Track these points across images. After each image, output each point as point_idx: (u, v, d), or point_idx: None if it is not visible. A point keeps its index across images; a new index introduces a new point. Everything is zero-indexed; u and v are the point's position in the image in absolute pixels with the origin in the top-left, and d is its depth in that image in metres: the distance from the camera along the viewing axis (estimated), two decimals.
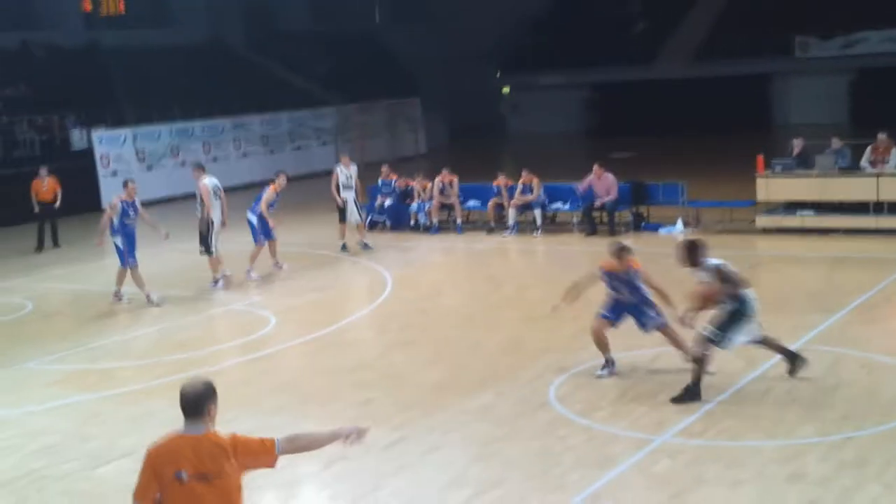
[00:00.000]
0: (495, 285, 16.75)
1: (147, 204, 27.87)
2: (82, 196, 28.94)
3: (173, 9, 43.01)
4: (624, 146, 33.20)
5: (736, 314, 10.08)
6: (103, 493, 8.81)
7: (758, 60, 40.20)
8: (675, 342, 10.97)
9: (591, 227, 20.17)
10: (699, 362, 10.14)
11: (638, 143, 34.75)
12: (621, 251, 11.15)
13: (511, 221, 20.97)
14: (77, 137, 31.08)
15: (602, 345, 11.19)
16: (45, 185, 23.03)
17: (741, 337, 10.16)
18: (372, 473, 8.87)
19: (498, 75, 48.77)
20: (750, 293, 10.21)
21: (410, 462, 9.08)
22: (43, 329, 15.55)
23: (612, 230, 19.94)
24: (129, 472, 9.12)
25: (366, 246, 20.04)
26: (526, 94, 47.78)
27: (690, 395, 10.08)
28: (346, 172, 20.23)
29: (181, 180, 31.94)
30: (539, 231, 20.64)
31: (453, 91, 46.90)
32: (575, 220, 20.90)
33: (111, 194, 29.99)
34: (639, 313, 11.12)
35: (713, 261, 10.29)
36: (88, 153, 30.40)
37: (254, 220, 17.94)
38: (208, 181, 17.28)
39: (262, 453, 5.57)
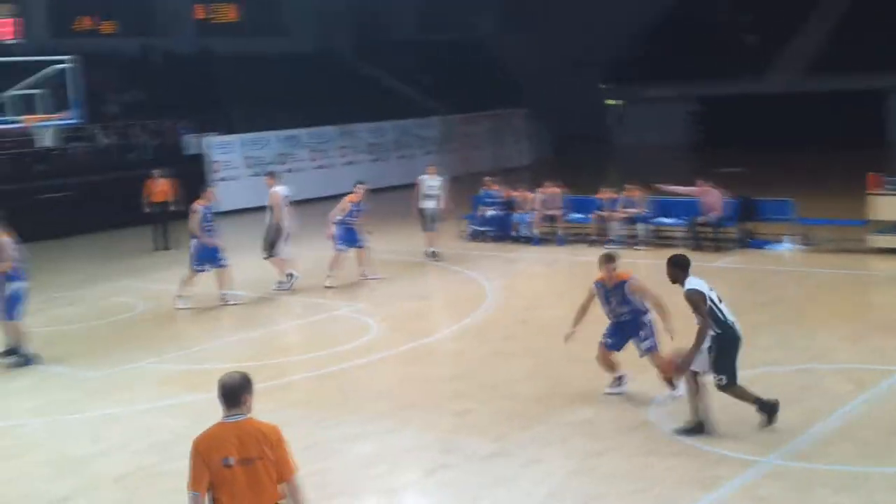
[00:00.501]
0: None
1: (255, 210, 28.63)
2: (193, 201, 29.67)
3: (284, 18, 43.85)
4: (732, 161, 32.67)
5: (721, 345, 9.55)
6: None
7: (872, 75, 39.16)
8: (663, 369, 10.61)
9: (695, 243, 19.91)
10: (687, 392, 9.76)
11: (747, 158, 34.16)
12: (606, 261, 10.96)
13: (614, 234, 20.84)
14: (189, 143, 31.87)
15: (608, 367, 11.11)
16: (158, 187, 23.66)
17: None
18: (471, 484, 8.91)
19: (604, 86, 48.50)
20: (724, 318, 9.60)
21: (509, 474, 9.09)
22: (153, 330, 15.99)
23: (718, 246, 19.69)
24: None
25: (434, 254, 20.45)
26: (632, 106, 47.43)
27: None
28: (429, 182, 20.76)
29: (289, 187, 32.54)
30: (642, 245, 20.47)
31: (559, 102, 46.77)
32: (679, 234, 20.67)
33: (222, 199, 30.92)
34: (635, 337, 10.93)
35: (690, 284, 9.68)
36: (199, 158, 31.14)
37: (333, 228, 18.27)
38: (280, 189, 17.85)
39: (283, 466, 5.91)
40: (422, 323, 15.46)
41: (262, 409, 11.01)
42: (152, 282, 19.62)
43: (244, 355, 13.81)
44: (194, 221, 16.96)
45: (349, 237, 18.26)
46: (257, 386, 12.05)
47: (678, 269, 9.83)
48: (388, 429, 10.47)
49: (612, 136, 48.78)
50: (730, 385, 9.63)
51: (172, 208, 23.60)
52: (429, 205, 20.61)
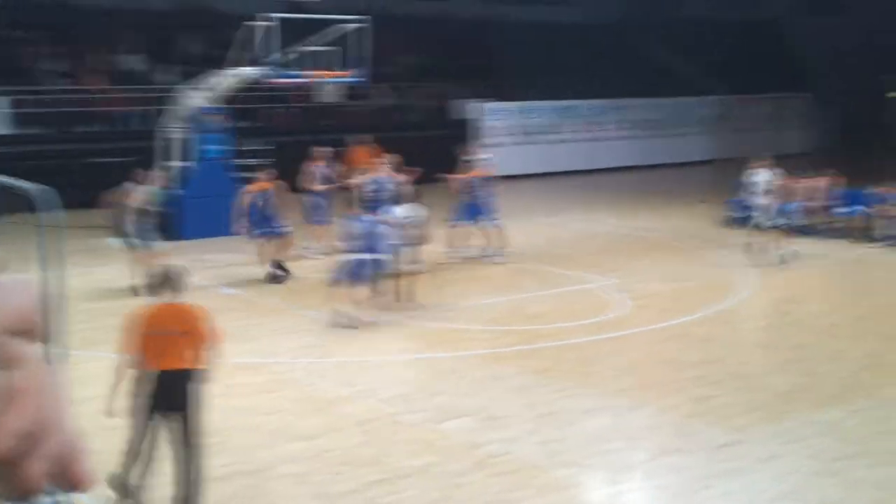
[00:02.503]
0: (865, 296, 15.83)
1: (525, 177, 28.99)
2: (452, 168, 30.29)
3: None
4: None
5: None
6: (446, 446, 9.29)
7: None
8: None
9: None
10: None
11: None
12: None
13: (889, 230, 19.66)
14: (464, 107, 32.48)
15: None
16: (361, 154, 21.90)
17: None
18: (703, 471, 8.73)
19: (891, 77, 45.58)
20: None
21: (745, 466, 8.84)
22: (410, 286, 16.54)
23: None
24: (469, 430, 9.61)
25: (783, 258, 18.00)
26: None
27: None
28: (757, 178, 19.06)
29: (560, 157, 32.70)
30: None
31: (850, 90, 44.39)
32: None
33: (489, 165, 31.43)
34: None
35: None
36: (473, 123, 31.70)
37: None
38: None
39: (213, 335, 7.65)
40: (674, 303, 15.20)
41: (505, 371, 11.30)
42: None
43: (493, 318, 14.06)
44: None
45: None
46: (502, 350, 12.41)
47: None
48: (627, 406, 10.41)
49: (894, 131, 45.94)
50: None
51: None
52: (761, 201, 18.47)
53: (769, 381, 11.30)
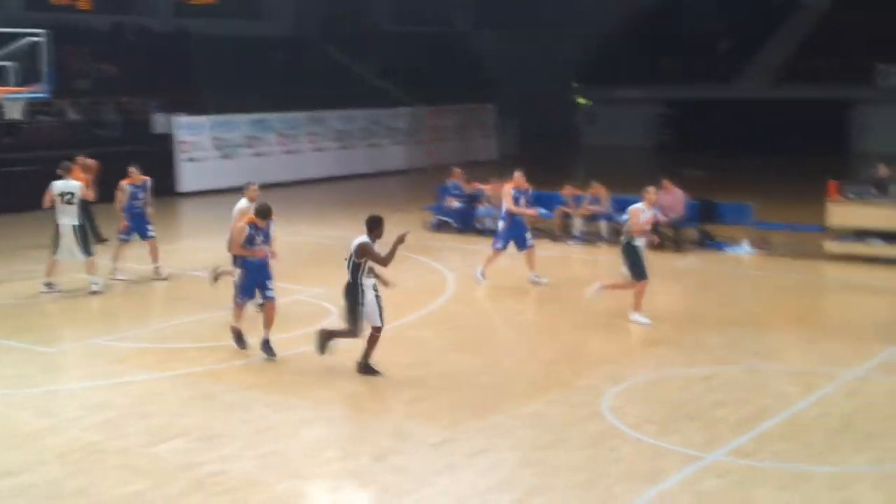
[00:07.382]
0: (556, 293, 16.78)
1: (222, 192, 28.55)
2: (161, 181, 29.52)
3: (262, 1, 43.77)
4: (697, 164, 32.94)
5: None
6: (158, 469, 9.03)
7: (839, 86, 39.57)
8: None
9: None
10: None
11: (712, 162, 34.50)
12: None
13: (576, 231, 20.98)
14: (159, 122, 31.64)
15: None
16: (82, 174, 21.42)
17: None
18: (420, 470, 8.98)
19: (575, 86, 48.75)
20: None
21: (458, 462, 9.17)
22: (112, 307, 15.93)
23: (678, 246, 19.87)
24: (184, 451, 9.41)
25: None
26: (602, 106, 47.69)
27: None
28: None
29: (255, 170, 32.54)
30: (604, 243, 20.61)
31: (529, 99, 46.92)
32: None
33: (189, 180, 30.79)
34: None
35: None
36: (168, 138, 30.96)
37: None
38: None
39: None
40: (385, 309, 15.47)
41: (216, 389, 11.12)
42: (120, 260, 19.45)
43: (202, 335, 13.79)
44: (121, 200, 17.32)
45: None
46: (214, 366, 12.15)
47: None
48: (341, 414, 10.53)
49: (582, 136, 49.08)
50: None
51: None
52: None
53: (474, 380, 11.74)
